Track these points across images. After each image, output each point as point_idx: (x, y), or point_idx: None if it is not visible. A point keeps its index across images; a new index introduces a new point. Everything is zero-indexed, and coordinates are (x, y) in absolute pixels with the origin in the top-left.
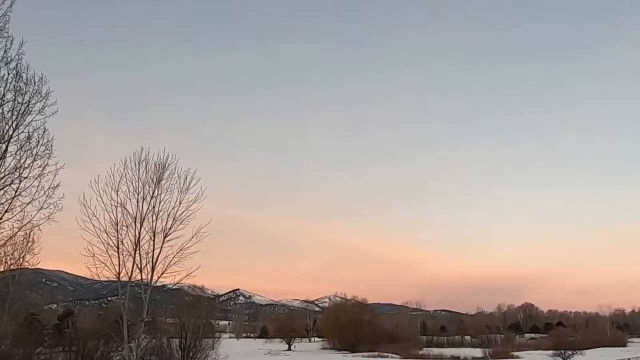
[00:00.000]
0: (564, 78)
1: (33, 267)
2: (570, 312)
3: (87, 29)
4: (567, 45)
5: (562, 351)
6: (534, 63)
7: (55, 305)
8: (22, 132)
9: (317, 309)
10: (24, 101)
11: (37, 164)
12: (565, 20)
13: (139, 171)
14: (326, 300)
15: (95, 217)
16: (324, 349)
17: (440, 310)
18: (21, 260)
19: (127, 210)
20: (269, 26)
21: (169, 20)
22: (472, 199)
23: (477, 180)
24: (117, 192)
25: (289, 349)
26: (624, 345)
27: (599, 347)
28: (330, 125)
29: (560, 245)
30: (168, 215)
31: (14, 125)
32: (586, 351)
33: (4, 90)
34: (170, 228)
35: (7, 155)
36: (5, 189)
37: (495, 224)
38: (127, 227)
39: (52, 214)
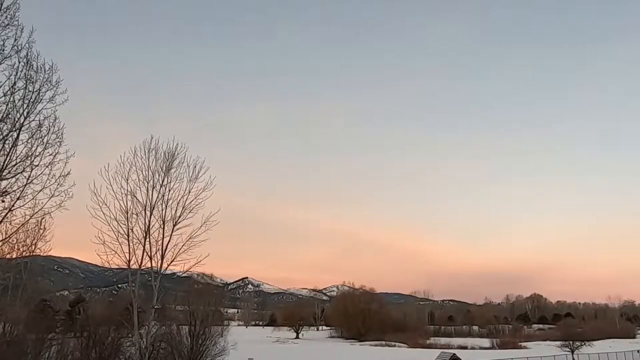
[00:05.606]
0: (578, 66)
1: (45, 254)
2: (579, 303)
3: (97, 20)
4: (576, 37)
5: (571, 342)
6: (545, 53)
7: (66, 292)
8: (33, 120)
9: (325, 297)
10: (35, 89)
11: (48, 152)
12: (573, 14)
13: (148, 160)
14: (334, 289)
15: (106, 205)
16: (332, 337)
17: (448, 300)
18: (33, 247)
19: (137, 199)
20: (277, 15)
21: (178, 9)
22: (482, 189)
23: (486, 171)
24: (127, 180)
25: (297, 337)
26: (633, 337)
27: (608, 338)
28: (339, 115)
29: (570, 236)
30: (177, 204)
31: (25, 113)
32: (595, 342)
33: (15, 78)
34: (179, 216)
35: (19, 143)
36: (17, 176)
37: (504, 214)
38: (137, 215)
39: (63, 201)
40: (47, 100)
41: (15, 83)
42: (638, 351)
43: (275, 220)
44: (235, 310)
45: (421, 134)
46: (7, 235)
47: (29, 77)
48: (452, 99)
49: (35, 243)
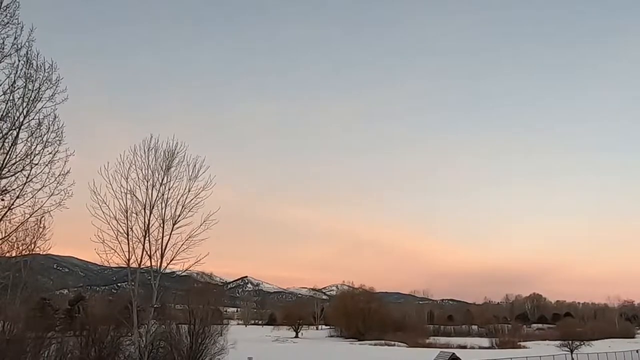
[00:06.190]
0: (578, 67)
1: (44, 253)
2: (579, 303)
3: (97, 19)
4: (576, 37)
5: (570, 342)
6: (545, 52)
7: (66, 291)
8: (33, 118)
9: (324, 297)
10: (34, 88)
11: (48, 151)
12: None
13: (148, 158)
14: (334, 288)
15: (105, 203)
16: (331, 336)
17: (448, 299)
18: (33, 245)
19: (136, 197)
20: (277, 15)
21: (178, 9)
22: (481, 189)
23: (487, 171)
24: (127, 179)
25: (297, 337)
26: (633, 337)
27: (607, 338)
28: (340, 115)
29: (570, 236)
30: (177, 203)
31: (24, 112)
32: (594, 342)
33: (15, 77)
34: (179, 215)
35: (18, 142)
36: (16, 175)
37: (504, 214)
38: (136, 214)
39: (62, 200)
40: (47, 98)
41: (15, 81)
42: (637, 351)
43: (275, 220)
44: (235, 309)
45: (421, 134)
46: (6, 234)
47: (28, 75)
48: (452, 99)
49: (35, 241)
